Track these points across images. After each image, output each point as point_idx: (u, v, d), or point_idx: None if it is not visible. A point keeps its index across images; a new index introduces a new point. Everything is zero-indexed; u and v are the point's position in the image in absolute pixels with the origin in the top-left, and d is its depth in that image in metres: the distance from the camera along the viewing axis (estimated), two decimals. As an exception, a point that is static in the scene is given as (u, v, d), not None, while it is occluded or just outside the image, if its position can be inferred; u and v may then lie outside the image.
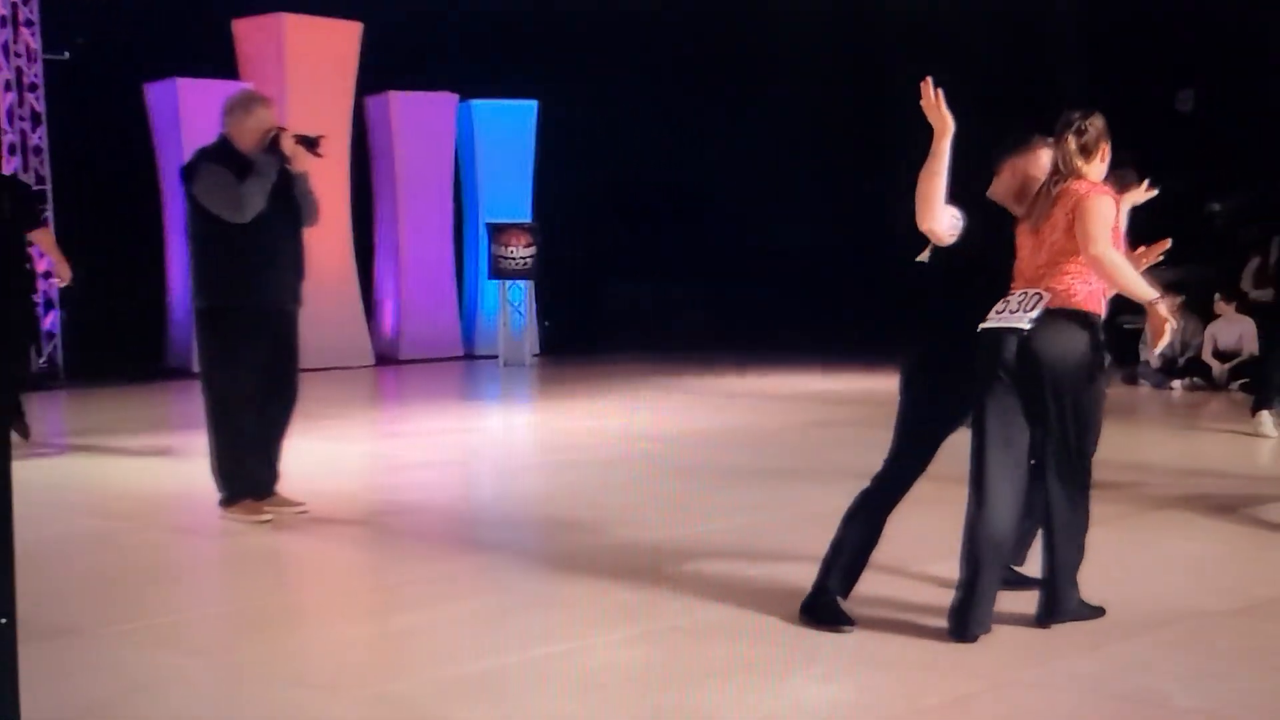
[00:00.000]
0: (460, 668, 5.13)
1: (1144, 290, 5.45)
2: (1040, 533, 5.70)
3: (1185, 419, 12.58)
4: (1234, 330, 14.50)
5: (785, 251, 20.10)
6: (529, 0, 17.91)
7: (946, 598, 5.73)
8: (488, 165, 18.81)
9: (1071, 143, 5.64)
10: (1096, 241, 5.36)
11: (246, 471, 7.78)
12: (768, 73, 19.50)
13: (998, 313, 5.51)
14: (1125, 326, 16.63)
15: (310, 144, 7.78)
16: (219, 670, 5.21)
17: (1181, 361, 14.78)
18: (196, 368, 8.23)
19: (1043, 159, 5.76)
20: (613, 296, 20.07)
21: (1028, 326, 5.41)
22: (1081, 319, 5.47)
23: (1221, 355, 14.51)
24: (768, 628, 5.51)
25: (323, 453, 10.07)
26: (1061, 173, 5.60)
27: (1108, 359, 5.68)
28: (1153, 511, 8.02)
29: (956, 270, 5.64)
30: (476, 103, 18.55)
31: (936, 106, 5.32)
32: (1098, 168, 5.68)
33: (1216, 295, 14.81)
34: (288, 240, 7.81)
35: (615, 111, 18.88)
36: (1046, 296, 5.45)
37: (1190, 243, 17.51)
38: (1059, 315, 5.43)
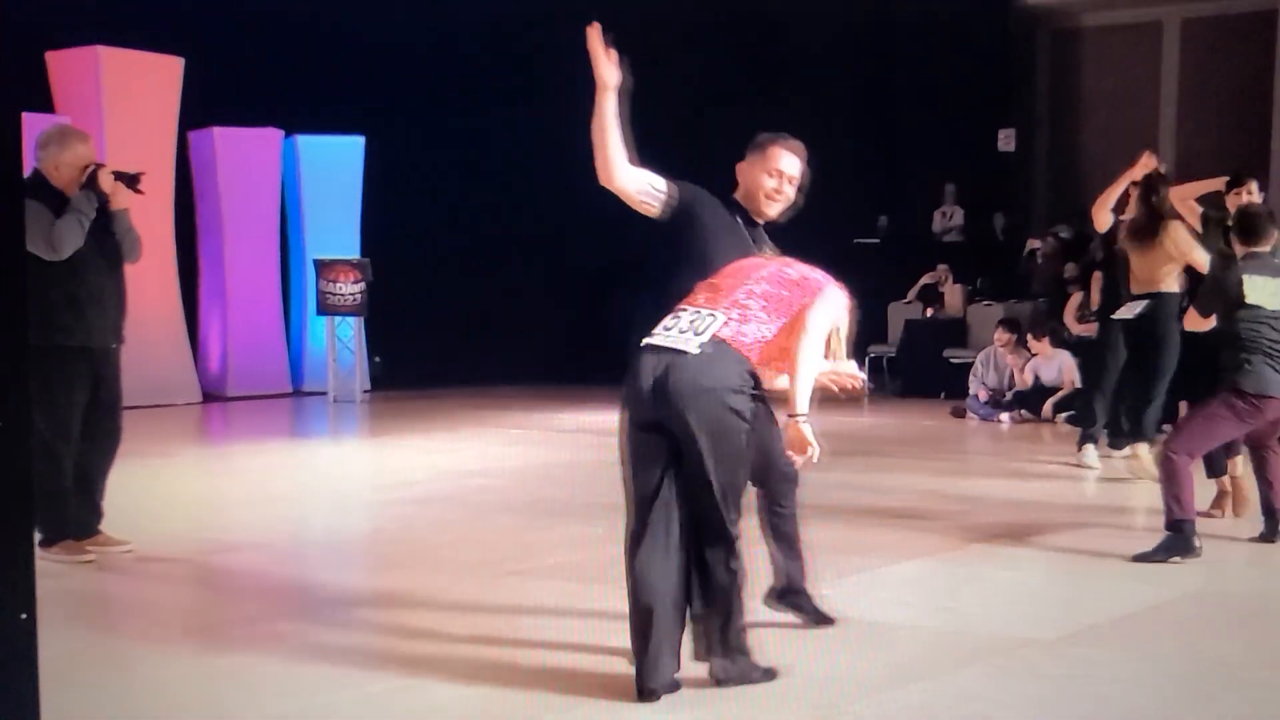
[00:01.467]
0: (289, 706, 5.04)
1: (801, 398, 5.11)
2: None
3: (1012, 451, 12.80)
4: (1053, 364, 14.82)
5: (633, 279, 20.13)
6: (355, 36, 17.78)
7: (778, 634, 5.77)
8: (314, 201, 18.58)
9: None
10: (815, 333, 5.14)
11: (67, 511, 7.59)
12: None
13: (665, 329, 5.07)
14: (952, 360, 16.99)
15: (130, 181, 7.63)
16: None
17: (1009, 395, 15.07)
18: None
19: (771, 160, 5.58)
20: (446, 331, 19.89)
21: (695, 350, 4.95)
22: (741, 362, 5.03)
23: (1045, 389, 14.82)
24: (599, 666, 5.47)
25: (149, 491, 9.84)
26: None
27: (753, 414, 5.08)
28: (979, 542, 8.14)
29: (663, 264, 5.43)
30: (302, 138, 18.33)
31: (598, 58, 5.07)
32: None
33: (1029, 334, 15.14)
34: (108, 277, 7.65)
35: (444, 145, 18.78)
36: (720, 321, 5.04)
37: (1014, 278, 17.93)
38: (725, 349, 5.01)
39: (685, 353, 4.91)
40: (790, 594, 6.00)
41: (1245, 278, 7.67)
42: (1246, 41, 18.69)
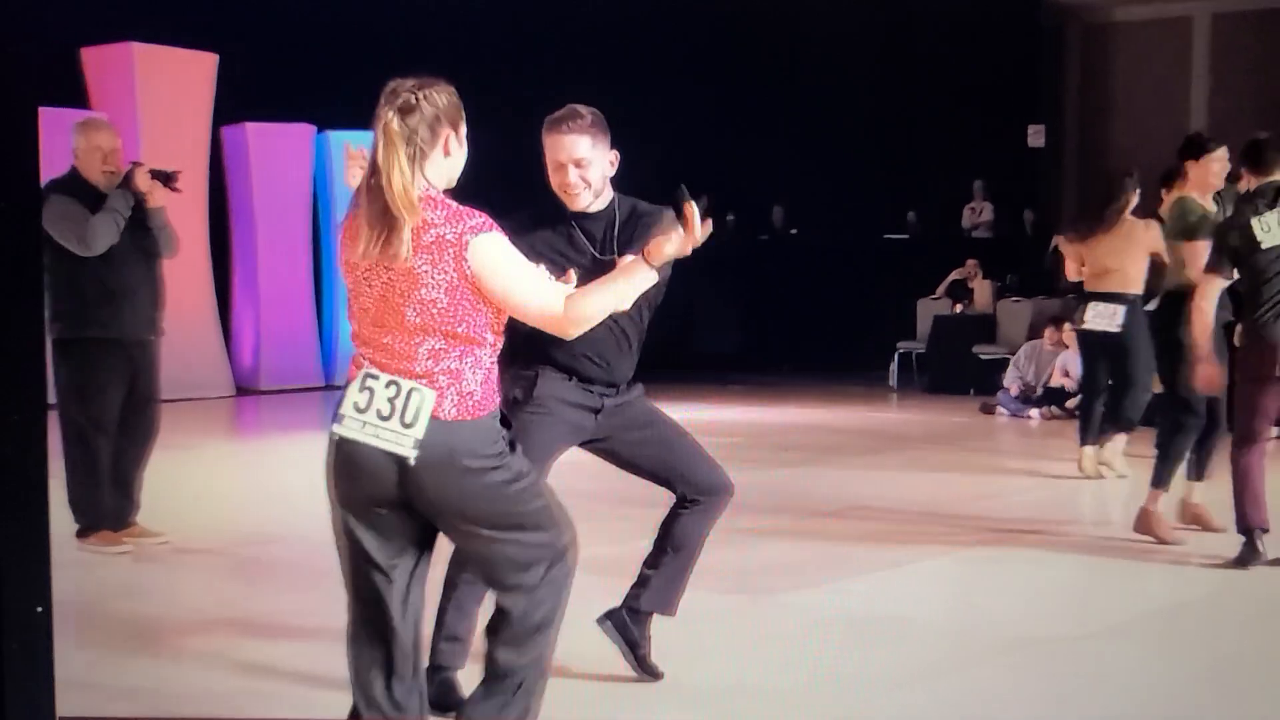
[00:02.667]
0: (324, 698, 5.09)
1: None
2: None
3: (1040, 448, 12.75)
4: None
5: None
6: (387, 32, 17.84)
7: (799, 630, 5.77)
8: (346, 196, 18.43)
9: (395, 127, 3.83)
10: (542, 304, 3.80)
11: (102, 502, 7.70)
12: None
13: (356, 410, 3.93)
14: (981, 356, 16.97)
15: (167, 179, 7.71)
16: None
17: (1039, 391, 15.02)
18: (53, 398, 8.11)
19: (549, 151, 4.69)
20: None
21: (413, 454, 3.71)
22: (486, 430, 3.77)
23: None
24: (603, 664, 5.31)
25: (183, 483, 9.91)
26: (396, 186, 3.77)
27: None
28: (1001, 539, 8.14)
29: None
30: (334, 134, 18.41)
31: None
32: (446, 164, 3.96)
33: (1066, 325, 15.06)
34: (143, 271, 7.74)
35: (474, 140, 18.84)
36: (430, 398, 3.69)
37: (1044, 274, 17.89)
38: (460, 430, 3.70)
39: (406, 459, 3.74)
40: (634, 618, 5.19)
41: (1253, 220, 7.15)
42: (1277, 35, 18.63)
